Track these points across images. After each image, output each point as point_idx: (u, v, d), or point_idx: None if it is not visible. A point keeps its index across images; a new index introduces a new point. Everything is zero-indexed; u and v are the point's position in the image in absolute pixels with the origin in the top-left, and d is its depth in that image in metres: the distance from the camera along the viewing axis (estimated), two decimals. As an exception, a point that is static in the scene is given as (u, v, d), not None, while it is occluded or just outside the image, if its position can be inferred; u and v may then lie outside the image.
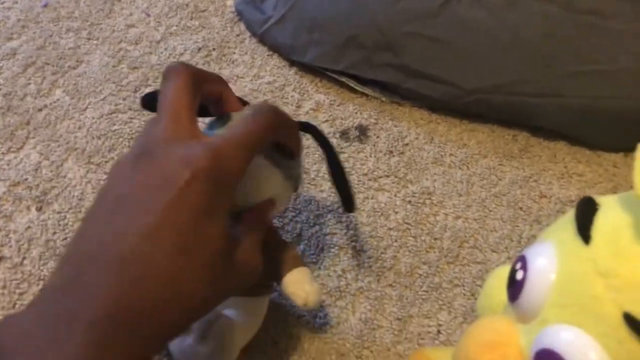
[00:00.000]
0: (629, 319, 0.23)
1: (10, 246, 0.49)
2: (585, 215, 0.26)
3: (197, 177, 0.28)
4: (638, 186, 0.23)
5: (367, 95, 0.64)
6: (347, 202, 0.44)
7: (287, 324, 0.47)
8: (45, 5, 0.72)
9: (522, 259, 0.28)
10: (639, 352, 0.23)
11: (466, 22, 0.59)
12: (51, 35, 0.68)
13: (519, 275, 0.28)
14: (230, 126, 0.37)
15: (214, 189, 0.29)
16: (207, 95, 0.35)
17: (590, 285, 0.25)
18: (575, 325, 0.25)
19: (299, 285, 0.40)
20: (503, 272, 0.39)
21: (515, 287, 0.28)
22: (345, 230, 0.53)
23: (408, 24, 0.61)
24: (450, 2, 0.60)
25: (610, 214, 0.26)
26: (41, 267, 0.48)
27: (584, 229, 0.26)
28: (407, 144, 0.60)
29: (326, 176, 0.56)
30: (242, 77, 0.66)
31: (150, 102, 0.38)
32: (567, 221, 0.28)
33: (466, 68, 0.60)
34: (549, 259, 0.27)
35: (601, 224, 0.26)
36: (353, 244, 0.52)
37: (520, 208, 0.56)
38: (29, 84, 0.63)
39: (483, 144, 0.61)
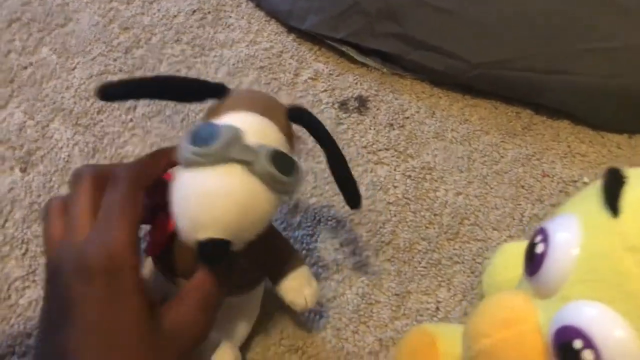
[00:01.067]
0: (661, 296, 0.21)
1: (-8, 208, 0.47)
2: (614, 187, 0.24)
3: (90, 281, 0.29)
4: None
5: (367, 65, 0.62)
6: (352, 198, 0.40)
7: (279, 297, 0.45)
8: (32, -41, 0.68)
9: (543, 232, 0.27)
10: (670, 332, 0.22)
11: (474, -8, 0.57)
12: (38, -9, 0.65)
13: (540, 248, 0.26)
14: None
15: (111, 281, 0.29)
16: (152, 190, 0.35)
17: (618, 260, 0.23)
18: (600, 301, 0.23)
19: (298, 292, 0.39)
20: (509, 248, 0.38)
21: (534, 261, 0.26)
22: (343, 203, 0.50)
23: (413, -8, 0.58)
24: (459, -29, 0.58)
25: (641, 186, 0.24)
26: (25, 230, 0.46)
27: (613, 201, 0.24)
28: (407, 118, 0.58)
29: (324, 147, 0.54)
30: (237, 42, 0.63)
31: (112, 93, 0.35)
32: (592, 194, 0.26)
33: (472, 41, 0.58)
34: (572, 232, 0.25)
35: (631, 196, 0.24)
36: (351, 217, 0.50)
37: (522, 186, 0.54)
38: (14, 40, 0.60)
39: (485, 120, 0.59)
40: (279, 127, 0.34)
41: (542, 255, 0.26)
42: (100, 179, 0.33)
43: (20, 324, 0.42)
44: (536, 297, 0.27)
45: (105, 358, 0.29)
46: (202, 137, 0.31)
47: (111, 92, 0.35)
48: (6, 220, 0.46)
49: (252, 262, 0.38)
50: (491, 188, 0.54)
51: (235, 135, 0.31)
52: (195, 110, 0.56)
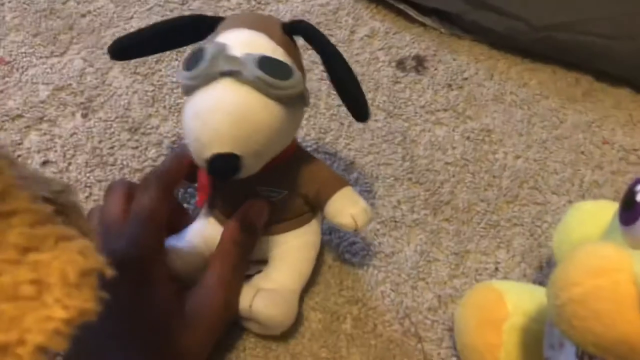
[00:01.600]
0: None
1: (56, 151, 0.47)
2: None
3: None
4: None
5: (425, 25, 0.61)
6: (359, 109, 0.37)
7: (339, 249, 0.45)
8: None
9: (643, 181, 0.26)
10: None
11: (541, -48, 0.56)
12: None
13: (639, 197, 0.26)
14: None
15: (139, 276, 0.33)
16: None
17: None
18: None
19: (343, 212, 0.38)
20: (585, 206, 0.37)
21: (633, 210, 0.26)
22: (400, 162, 0.51)
23: (478, -50, 0.57)
24: None
25: None
26: (87, 174, 0.46)
27: None
28: (466, 79, 0.57)
29: (380, 105, 0.54)
30: (293, -2, 0.63)
31: (120, 49, 0.37)
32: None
33: (536, 2, 0.57)
34: (676, 181, 0.25)
35: None
36: (409, 175, 0.50)
37: (582, 152, 0.53)
38: (72, -13, 0.59)
39: (545, 85, 0.58)
40: (272, 38, 0.34)
41: (641, 205, 0.25)
42: (130, 190, 0.37)
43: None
44: (632, 247, 0.26)
45: (133, 339, 0.32)
46: (190, 59, 0.32)
47: (121, 48, 0.38)
48: (69, 164, 0.47)
49: (295, 191, 0.38)
50: (550, 153, 0.53)
51: (219, 49, 0.31)
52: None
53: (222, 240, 0.37)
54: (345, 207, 0.38)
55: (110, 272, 0.19)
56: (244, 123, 0.31)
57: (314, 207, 0.41)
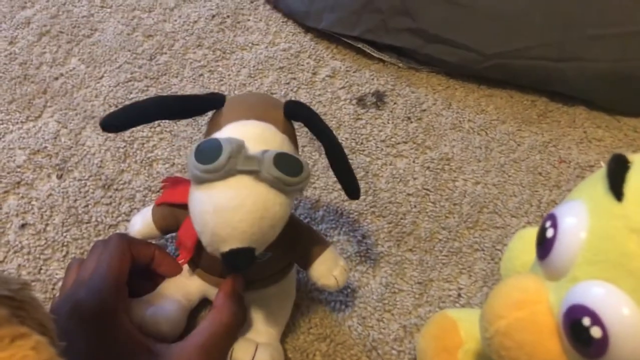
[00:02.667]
0: (663, 274, 0.23)
1: (33, 213, 0.50)
2: (618, 173, 0.26)
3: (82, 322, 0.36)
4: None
5: (383, 61, 0.63)
6: (351, 189, 0.41)
7: (307, 287, 0.47)
8: (57, -27, 0.71)
9: (552, 217, 0.28)
10: (672, 307, 0.23)
11: (485, -15, 0.58)
12: (64, 4, 0.68)
13: (549, 233, 0.28)
14: None
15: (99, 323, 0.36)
16: (139, 257, 0.41)
17: (623, 241, 0.25)
18: (606, 281, 0.25)
19: (327, 275, 0.41)
20: (527, 233, 0.39)
21: (545, 245, 0.28)
22: (364, 197, 0.53)
23: (426, -13, 0.60)
24: (469, -36, 0.59)
25: (644, 171, 0.25)
26: (64, 234, 0.49)
27: (617, 186, 0.26)
28: (424, 110, 0.60)
29: (343, 142, 0.56)
30: (257, 44, 0.65)
31: (115, 122, 0.37)
32: (597, 179, 0.27)
33: (486, 32, 0.59)
34: (580, 217, 0.27)
35: (634, 181, 0.25)
36: (372, 209, 0.52)
37: (540, 173, 0.55)
38: (44, 52, 0.62)
39: (501, 110, 0.60)
40: (278, 128, 0.36)
41: (552, 240, 0.27)
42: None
43: (64, 321, 0.45)
44: (547, 279, 0.28)
45: None
46: (206, 154, 0.33)
47: (114, 122, 0.37)
48: (47, 225, 0.49)
49: (280, 253, 0.40)
50: (509, 176, 0.55)
51: (238, 148, 0.33)
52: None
53: (216, 298, 0.39)
54: (328, 270, 0.41)
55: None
56: (263, 221, 0.33)
57: (293, 263, 0.43)
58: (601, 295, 0.25)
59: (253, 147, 0.33)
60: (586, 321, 0.25)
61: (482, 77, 0.62)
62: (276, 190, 0.33)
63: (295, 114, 0.38)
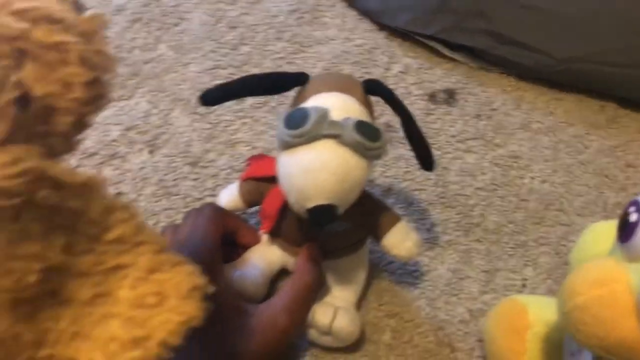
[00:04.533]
0: None
1: (127, 184, 0.54)
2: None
3: None
4: None
5: (455, 60, 0.66)
6: (426, 160, 0.45)
7: (377, 268, 0.50)
8: (148, -35, 0.76)
9: (636, 203, 0.30)
10: None
11: (562, -10, 0.60)
12: (154, -6, 0.72)
13: (633, 217, 0.30)
14: None
15: None
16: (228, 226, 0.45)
17: None
18: (689, 262, 0.27)
19: (400, 245, 0.43)
20: (599, 227, 0.41)
21: (627, 229, 0.30)
22: (433, 188, 0.55)
23: (502, -10, 0.62)
24: (546, -30, 0.61)
25: None
26: (155, 204, 0.53)
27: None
28: (494, 109, 0.62)
29: (415, 136, 0.59)
30: (333, 39, 0.68)
31: (212, 98, 0.42)
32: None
33: (558, 36, 0.61)
34: (664, 203, 0.29)
35: None
36: (442, 200, 0.54)
37: (606, 176, 0.57)
38: (136, 38, 0.67)
39: (570, 113, 0.62)
40: (358, 100, 0.40)
41: (635, 224, 0.29)
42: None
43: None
44: (628, 261, 0.30)
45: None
46: (294, 120, 0.37)
47: (211, 97, 0.42)
48: (139, 195, 0.53)
49: (355, 224, 0.43)
50: (575, 176, 0.57)
51: (323, 114, 0.37)
52: (297, 101, 0.61)
53: (298, 262, 0.43)
54: (401, 241, 0.44)
55: (211, 289, 0.24)
56: (344, 180, 0.36)
57: (367, 235, 0.46)
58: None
59: (336, 115, 0.37)
60: (666, 300, 0.26)
61: (552, 81, 0.64)
62: (357, 153, 0.36)
63: (373, 89, 0.42)
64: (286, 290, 0.41)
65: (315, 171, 0.36)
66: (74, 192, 0.21)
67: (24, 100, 0.19)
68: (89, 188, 0.22)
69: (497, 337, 0.41)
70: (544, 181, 0.56)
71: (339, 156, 0.36)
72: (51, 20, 0.20)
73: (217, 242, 0.41)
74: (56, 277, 0.21)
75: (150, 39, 0.67)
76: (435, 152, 0.57)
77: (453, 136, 0.59)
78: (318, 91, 0.40)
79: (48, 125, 0.20)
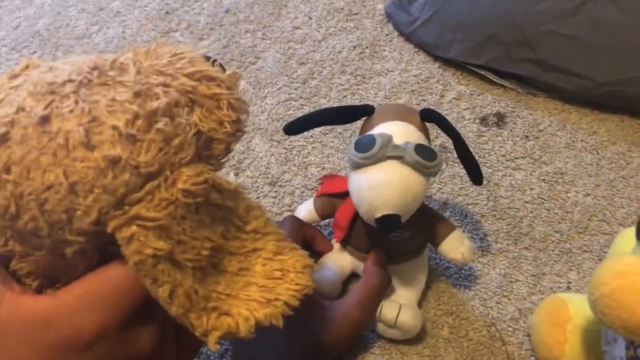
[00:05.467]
0: None
1: (217, 202, 0.63)
2: None
3: None
4: None
5: (504, 86, 0.72)
6: (475, 176, 0.51)
7: (436, 273, 0.56)
8: (226, 11, 0.86)
9: (650, 208, 0.36)
10: None
11: (600, 21, 0.66)
12: (233, 36, 0.82)
13: (648, 219, 0.36)
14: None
15: None
16: (306, 235, 0.53)
17: None
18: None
19: (455, 251, 0.51)
20: (629, 231, 0.47)
21: (643, 229, 0.36)
22: (485, 202, 0.62)
23: (546, 23, 0.68)
24: (586, 3, 0.67)
25: None
26: (242, 218, 0.61)
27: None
28: (541, 130, 0.68)
29: (468, 156, 0.66)
30: (391, 71, 0.76)
31: (294, 129, 0.51)
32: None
33: (599, 63, 0.67)
34: (672, 207, 0.35)
35: None
36: (493, 212, 0.61)
37: (648, 189, 0.62)
38: (246, 96, 0.77)
39: (613, 132, 0.67)
40: (416, 127, 0.48)
41: (650, 224, 0.36)
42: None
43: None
44: (645, 256, 0.36)
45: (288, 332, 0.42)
46: (363, 145, 0.45)
47: (293, 129, 0.52)
48: (228, 211, 0.62)
49: (415, 232, 0.50)
50: (617, 190, 0.62)
51: (387, 139, 0.45)
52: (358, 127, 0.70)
53: (367, 265, 0.50)
54: (456, 247, 0.51)
55: (316, 267, 0.32)
56: (407, 194, 0.44)
57: (426, 242, 0.53)
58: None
59: (398, 140, 0.45)
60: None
61: (596, 103, 0.69)
62: (416, 171, 0.44)
63: (429, 117, 0.49)
64: (357, 289, 0.49)
65: (382, 186, 0.44)
66: (230, 195, 0.29)
67: (197, 134, 0.28)
68: (238, 192, 0.30)
69: (542, 329, 0.48)
70: (587, 195, 0.62)
71: (402, 174, 0.44)
72: (209, 79, 0.29)
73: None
74: (217, 254, 0.29)
75: (231, 76, 0.77)
76: (487, 170, 0.64)
77: (503, 155, 0.66)
78: (382, 120, 0.48)
79: (210, 151, 0.29)
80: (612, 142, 0.66)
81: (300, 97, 0.74)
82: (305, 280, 0.30)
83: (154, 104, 0.27)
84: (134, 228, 0.26)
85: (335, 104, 0.73)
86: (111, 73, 0.28)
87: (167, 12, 0.85)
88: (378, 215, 0.44)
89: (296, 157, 0.67)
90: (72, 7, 0.86)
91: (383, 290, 0.49)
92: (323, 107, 0.72)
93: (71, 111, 0.26)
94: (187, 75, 0.29)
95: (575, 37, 0.67)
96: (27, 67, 0.29)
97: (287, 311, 0.30)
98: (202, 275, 0.28)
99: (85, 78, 0.27)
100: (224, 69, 0.31)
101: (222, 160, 0.32)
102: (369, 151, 0.44)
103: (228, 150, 0.31)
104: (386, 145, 0.44)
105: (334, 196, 0.54)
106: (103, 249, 0.28)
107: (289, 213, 0.60)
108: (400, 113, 0.49)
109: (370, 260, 0.51)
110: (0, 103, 0.27)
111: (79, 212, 0.26)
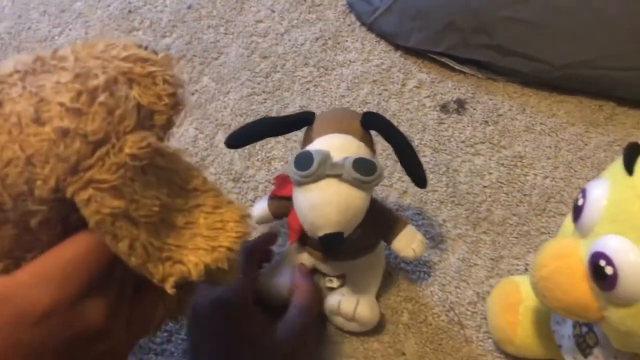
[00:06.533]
0: (657, 226, 0.32)
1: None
2: (631, 155, 0.35)
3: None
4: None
5: (464, 73, 0.73)
6: (418, 179, 0.50)
7: (397, 260, 0.57)
8: (189, 7, 0.86)
9: (583, 191, 0.37)
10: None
11: (554, 5, 0.67)
12: (196, 32, 0.82)
13: (580, 202, 0.37)
14: None
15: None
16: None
17: (630, 204, 0.33)
18: (618, 234, 0.34)
19: (407, 248, 0.51)
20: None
21: (577, 211, 0.37)
22: (445, 188, 0.63)
23: (501, 9, 0.69)
24: (540, -13, 0.67)
25: (650, 153, 0.34)
26: (205, 215, 0.62)
27: (629, 164, 0.34)
28: (500, 115, 0.69)
29: (427, 143, 0.66)
30: (354, 62, 0.77)
31: (235, 143, 0.51)
32: (618, 163, 0.36)
33: (555, 46, 0.67)
34: (603, 189, 0.36)
35: (642, 160, 0.34)
36: (452, 199, 0.62)
37: (604, 169, 0.62)
38: (182, 73, 0.77)
39: (571, 114, 0.68)
40: (356, 137, 0.47)
41: (582, 207, 0.36)
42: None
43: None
44: (580, 238, 0.37)
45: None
46: (302, 162, 0.44)
47: (234, 143, 0.51)
48: (191, 208, 0.63)
49: (368, 231, 0.51)
50: (575, 171, 0.63)
51: (325, 156, 0.44)
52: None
53: (294, 282, 0.51)
54: (408, 244, 0.51)
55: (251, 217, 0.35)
56: (347, 211, 0.44)
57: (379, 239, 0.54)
58: (613, 244, 0.33)
59: (336, 155, 0.44)
60: (602, 263, 0.33)
61: (554, 86, 0.70)
62: (356, 187, 0.44)
63: (370, 125, 0.48)
64: (291, 318, 0.49)
65: (321, 206, 0.43)
66: (171, 158, 0.32)
67: (138, 107, 0.31)
68: (178, 155, 0.33)
69: (496, 312, 0.49)
70: (545, 177, 0.63)
71: (341, 192, 0.44)
72: (143, 60, 0.32)
73: (249, 298, 0.48)
74: (165, 211, 0.32)
75: (194, 72, 0.77)
76: (446, 157, 0.65)
77: (462, 142, 0.66)
78: (321, 133, 0.47)
79: (152, 122, 0.32)
80: (571, 124, 0.67)
81: (263, 92, 0.74)
82: (243, 227, 0.33)
83: (94, 82, 0.30)
84: (90, 191, 0.29)
85: (298, 96, 0.73)
86: (53, 62, 0.31)
87: (129, 11, 0.85)
88: (320, 234, 0.44)
89: (259, 152, 0.67)
90: (33, 9, 0.85)
91: (315, 309, 0.50)
92: (286, 100, 0.73)
93: (20, 95, 0.29)
94: (122, 59, 0.32)
95: (531, 22, 0.68)
96: None
97: (231, 255, 0.33)
98: (154, 229, 0.31)
99: (30, 68, 0.30)
100: (157, 54, 0.34)
101: (167, 132, 0.35)
102: (307, 170, 0.43)
103: (170, 122, 0.34)
104: (324, 163, 0.43)
105: (286, 199, 0.54)
106: (65, 221, 0.31)
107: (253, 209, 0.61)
108: (340, 123, 0.48)
109: (296, 276, 0.51)
110: None
111: (38, 182, 0.28)
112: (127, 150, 0.29)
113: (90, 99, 0.29)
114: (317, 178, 0.43)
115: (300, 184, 0.45)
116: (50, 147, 0.28)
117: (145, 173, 0.31)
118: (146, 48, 0.35)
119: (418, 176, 0.49)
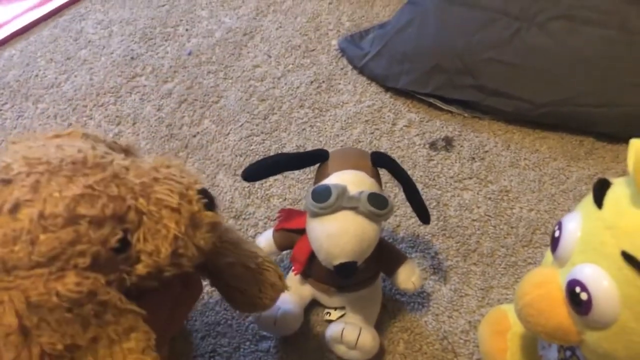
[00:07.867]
0: (625, 255, 0.35)
1: (184, 237, 0.66)
2: (600, 190, 0.38)
3: None
4: (630, 169, 0.35)
5: (451, 112, 0.77)
6: (424, 216, 0.54)
7: (392, 292, 0.60)
8: (189, 54, 0.90)
9: (559, 224, 0.40)
10: (632, 276, 0.35)
11: (533, 47, 0.71)
12: (196, 77, 0.86)
13: (557, 234, 0.40)
14: None
15: None
16: None
17: (601, 236, 0.37)
18: (592, 263, 0.37)
19: (407, 281, 0.54)
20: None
21: (554, 243, 0.40)
22: (436, 222, 0.66)
23: (484, 51, 0.73)
24: (519, 31, 0.72)
25: (617, 188, 0.38)
26: (208, 252, 0.65)
27: (599, 199, 0.38)
28: (487, 151, 0.72)
29: (418, 179, 0.70)
30: (347, 103, 0.81)
31: (252, 176, 0.54)
32: (589, 197, 0.40)
33: (536, 86, 0.72)
34: (577, 222, 0.39)
35: (611, 194, 0.38)
36: (443, 232, 0.65)
37: (586, 201, 0.66)
38: (184, 116, 0.81)
39: (553, 149, 0.72)
40: (368, 174, 0.50)
41: (559, 238, 0.40)
42: None
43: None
44: (558, 267, 0.40)
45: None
46: (320, 195, 0.48)
47: (251, 176, 0.54)
48: (195, 245, 0.66)
49: (370, 264, 0.54)
50: (559, 204, 0.66)
51: (342, 190, 0.47)
52: (319, 158, 0.74)
53: None
54: (408, 277, 0.54)
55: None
56: (362, 242, 0.47)
57: (380, 271, 0.57)
58: (587, 272, 0.37)
59: (352, 189, 0.48)
60: (578, 289, 0.37)
61: (536, 122, 0.74)
62: (370, 220, 0.47)
63: (379, 163, 0.52)
64: None
65: (338, 236, 0.47)
66: (115, 312, 0.32)
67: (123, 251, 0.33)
68: (127, 312, 0.33)
69: (486, 339, 0.51)
70: (531, 210, 0.66)
71: (357, 224, 0.47)
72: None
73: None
74: (75, 352, 0.31)
75: (195, 116, 0.81)
76: (436, 192, 0.68)
77: (451, 177, 0.70)
78: (336, 169, 0.51)
79: (132, 268, 0.34)
80: (553, 159, 0.71)
81: (262, 132, 0.78)
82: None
83: (84, 210, 0.31)
84: (5, 296, 0.30)
85: (295, 136, 0.77)
86: (87, 170, 0.33)
87: (132, 58, 0.89)
88: (336, 263, 0.47)
89: (259, 190, 0.71)
90: (40, 57, 0.90)
91: None
92: (283, 140, 0.77)
93: (23, 186, 0.31)
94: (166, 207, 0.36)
95: (512, 63, 0.72)
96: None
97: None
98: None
99: (57, 166, 0.32)
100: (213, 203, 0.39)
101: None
102: (325, 202, 0.47)
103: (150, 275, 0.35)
104: (341, 197, 0.47)
105: (292, 231, 0.57)
106: None
107: (253, 244, 0.64)
108: (354, 160, 0.51)
109: None
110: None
111: None
112: (59, 286, 0.30)
113: (66, 223, 0.31)
114: (334, 210, 0.47)
115: (317, 215, 0.48)
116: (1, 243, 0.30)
117: (70, 311, 0.31)
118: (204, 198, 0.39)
119: (423, 212, 0.53)
